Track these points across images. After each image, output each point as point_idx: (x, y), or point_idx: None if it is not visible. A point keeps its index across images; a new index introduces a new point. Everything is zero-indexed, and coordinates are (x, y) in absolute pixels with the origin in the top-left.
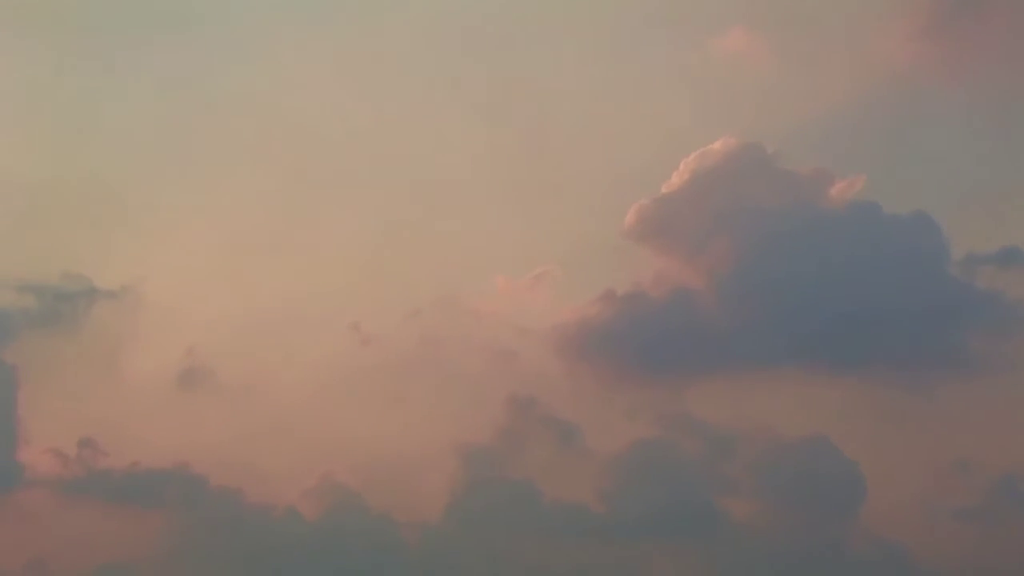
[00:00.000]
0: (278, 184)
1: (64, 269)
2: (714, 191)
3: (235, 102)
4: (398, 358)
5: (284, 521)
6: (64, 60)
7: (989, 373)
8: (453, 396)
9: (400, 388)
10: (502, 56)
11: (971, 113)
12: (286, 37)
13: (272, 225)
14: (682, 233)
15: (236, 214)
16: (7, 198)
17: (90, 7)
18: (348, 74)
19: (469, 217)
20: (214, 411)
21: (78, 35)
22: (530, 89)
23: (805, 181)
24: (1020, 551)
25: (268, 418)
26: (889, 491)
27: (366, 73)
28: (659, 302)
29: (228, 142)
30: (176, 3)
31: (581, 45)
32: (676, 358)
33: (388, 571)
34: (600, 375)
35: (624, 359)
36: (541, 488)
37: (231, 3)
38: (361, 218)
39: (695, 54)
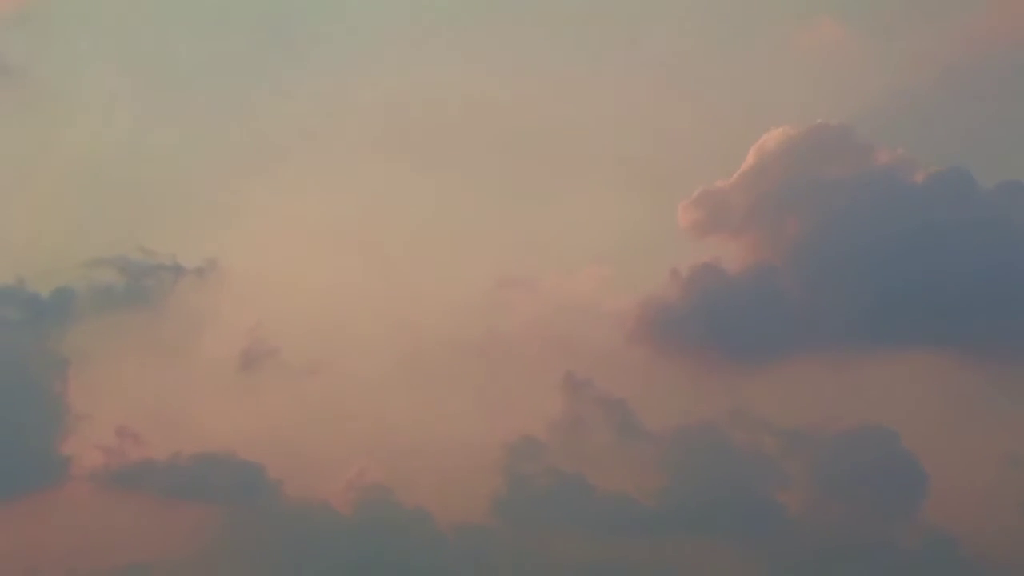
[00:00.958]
0: (356, 165)
1: (138, 245)
2: (789, 172)
3: (312, 82)
4: (461, 343)
5: (327, 514)
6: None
7: None
8: (514, 384)
9: (461, 375)
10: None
11: None
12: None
13: (348, 205)
14: (752, 216)
15: (315, 194)
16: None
17: None
18: (427, 49)
19: (536, 199)
20: (274, 395)
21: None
22: (613, 70)
23: (882, 161)
24: None
25: (327, 403)
26: (951, 483)
27: (444, 49)
28: (726, 286)
29: (307, 122)
30: None
31: (666, 27)
32: (740, 344)
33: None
34: (661, 362)
35: (689, 344)
36: (593, 482)
37: None
38: (433, 201)
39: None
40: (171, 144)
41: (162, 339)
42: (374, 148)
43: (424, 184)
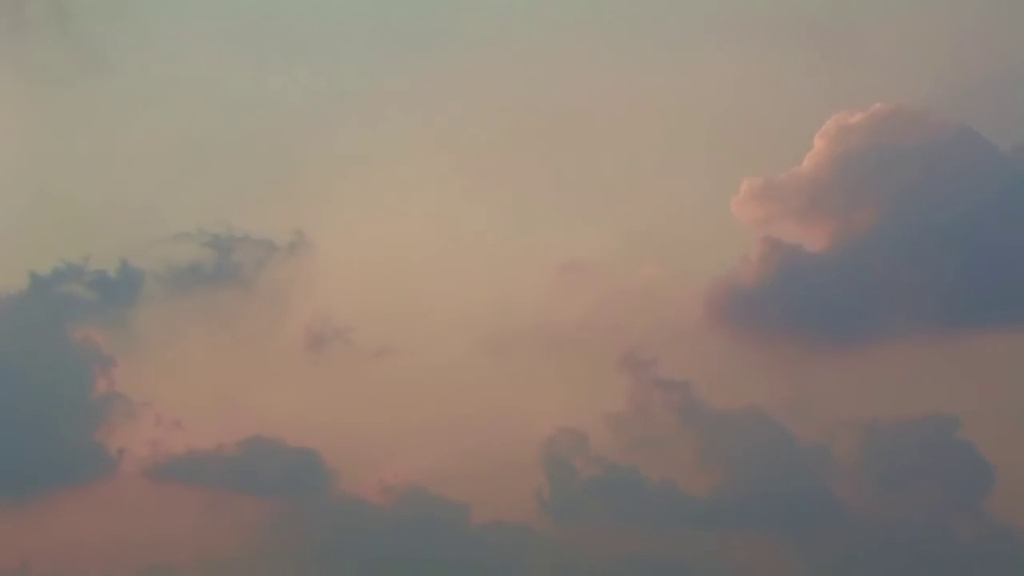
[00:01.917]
0: (443, 150)
1: (219, 220)
2: (858, 153)
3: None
4: (528, 330)
5: (379, 507)
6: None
7: None
8: (575, 372)
9: (527, 361)
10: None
11: None
12: None
13: (433, 189)
14: (822, 199)
15: (403, 174)
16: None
17: None
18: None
19: (603, 183)
20: (338, 379)
21: None
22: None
23: (957, 141)
24: None
25: (390, 388)
26: (1018, 475)
27: (531, 45)
28: (794, 271)
29: (402, 103)
30: None
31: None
32: (805, 330)
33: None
34: (724, 348)
35: (753, 331)
36: (646, 473)
37: None
38: (512, 180)
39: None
40: (262, 120)
41: (230, 319)
42: (460, 136)
43: (503, 171)
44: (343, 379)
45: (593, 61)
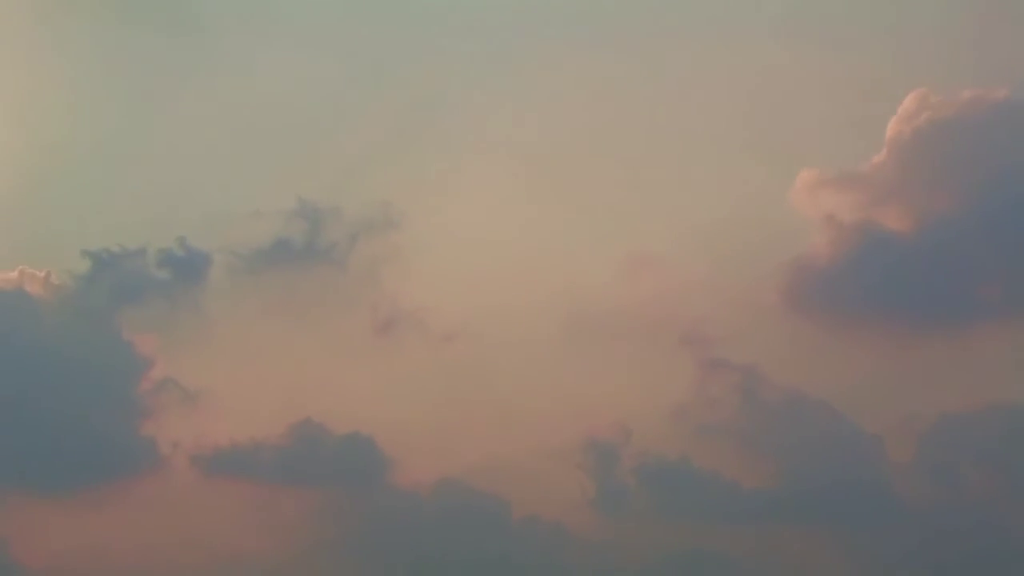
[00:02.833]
0: (523, 139)
1: (297, 199)
2: (936, 136)
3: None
4: (597, 317)
5: (437, 499)
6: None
7: None
8: (638, 361)
9: (594, 349)
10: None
11: None
12: None
13: (511, 174)
14: (898, 183)
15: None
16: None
17: None
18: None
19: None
20: (405, 365)
21: None
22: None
23: None
24: None
25: (458, 374)
26: None
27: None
28: (862, 257)
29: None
30: None
31: None
32: (873, 318)
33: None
34: (793, 335)
35: (823, 316)
36: (702, 465)
37: None
38: (582, 172)
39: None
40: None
41: (298, 301)
42: (539, 127)
43: (575, 164)
44: (409, 365)
45: (656, 54)
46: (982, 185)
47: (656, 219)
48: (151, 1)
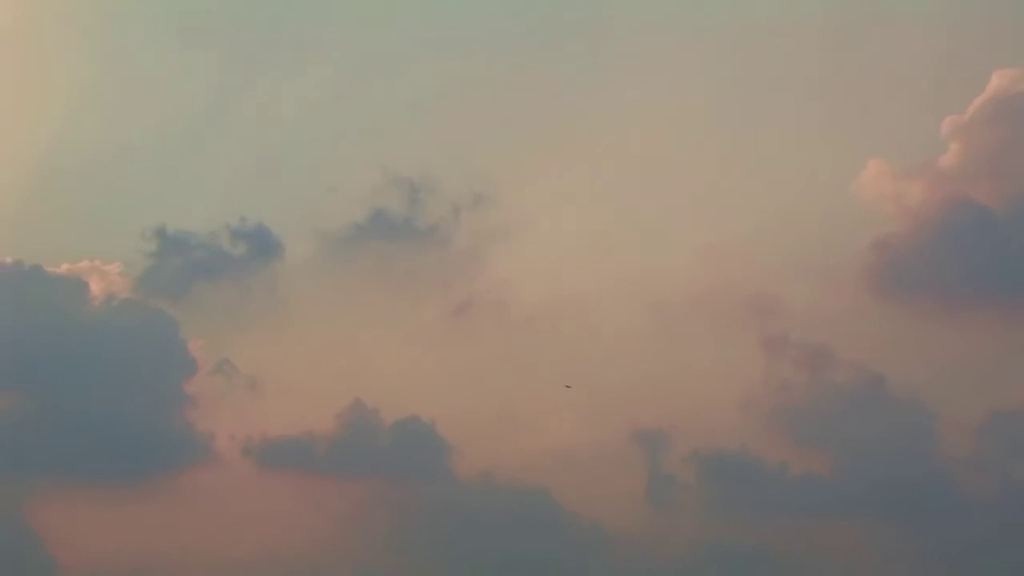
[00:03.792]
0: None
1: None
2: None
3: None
4: (674, 304)
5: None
6: None
7: None
8: (717, 348)
9: (679, 335)
10: None
11: None
12: None
13: (602, 164)
14: (976, 168)
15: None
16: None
17: None
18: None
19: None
20: (480, 349)
21: None
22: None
23: None
24: None
25: (534, 357)
26: None
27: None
28: (942, 243)
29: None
30: None
31: None
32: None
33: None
34: (871, 318)
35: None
36: (763, 457)
37: None
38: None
39: None
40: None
41: (375, 282)
42: (632, 120)
43: (659, 158)
44: (482, 349)
45: (732, 50)
46: None
47: (733, 208)
48: None
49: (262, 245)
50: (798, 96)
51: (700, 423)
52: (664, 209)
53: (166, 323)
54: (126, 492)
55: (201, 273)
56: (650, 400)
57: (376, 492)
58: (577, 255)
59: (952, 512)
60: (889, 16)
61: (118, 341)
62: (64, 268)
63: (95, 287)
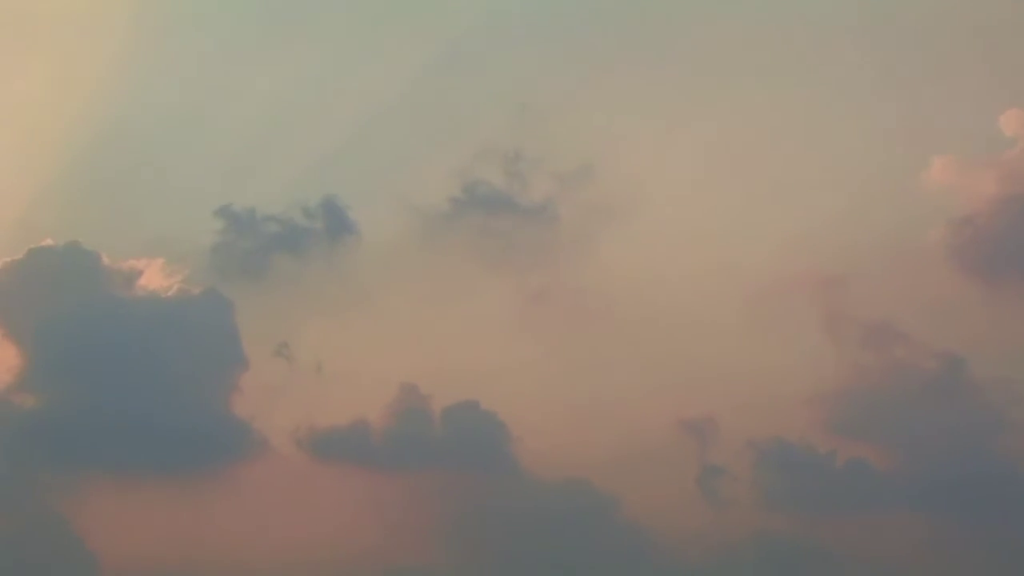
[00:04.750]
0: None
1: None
2: None
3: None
4: (752, 296)
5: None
6: None
7: None
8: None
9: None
10: None
11: None
12: None
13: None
14: None
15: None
16: None
17: None
18: None
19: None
20: (554, 337)
21: None
22: None
23: None
24: None
25: (606, 349)
26: None
27: None
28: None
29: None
30: None
31: None
32: None
33: None
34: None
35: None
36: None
37: None
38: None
39: None
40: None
41: (449, 264)
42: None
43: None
44: (558, 337)
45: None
46: None
47: (810, 200)
48: None
49: (334, 223)
50: (866, 92)
51: (775, 414)
52: (749, 198)
53: (221, 307)
54: (173, 486)
55: (266, 254)
56: (728, 391)
57: (438, 484)
58: (667, 243)
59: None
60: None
61: (169, 326)
62: (118, 250)
63: (149, 270)
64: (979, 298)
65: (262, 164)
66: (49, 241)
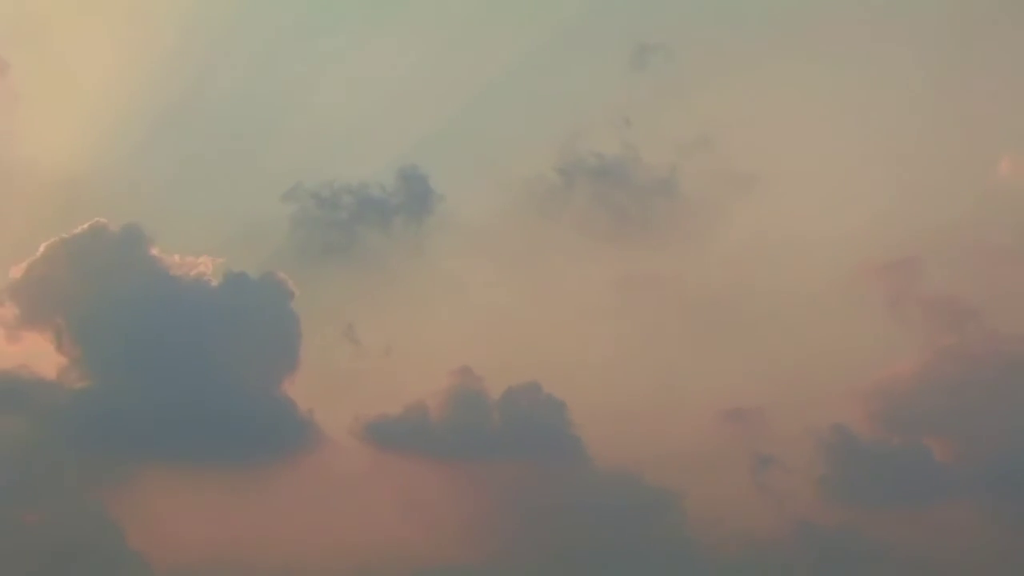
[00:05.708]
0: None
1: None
2: None
3: None
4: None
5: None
6: None
7: None
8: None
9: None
10: None
11: None
12: None
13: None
14: None
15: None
16: None
17: None
18: None
19: None
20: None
21: None
22: None
23: None
24: None
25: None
26: None
27: None
28: None
29: None
30: None
31: None
32: None
33: None
34: None
35: None
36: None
37: None
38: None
39: None
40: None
41: (536, 242)
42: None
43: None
44: (643, 328)
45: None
46: None
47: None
48: None
49: (416, 199)
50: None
51: (835, 402)
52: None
53: (281, 291)
54: (225, 478)
55: (347, 229)
56: (789, 378)
57: (497, 473)
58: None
59: None
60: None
61: (225, 310)
62: (176, 233)
63: (208, 252)
64: None
65: (343, 140)
66: (106, 221)
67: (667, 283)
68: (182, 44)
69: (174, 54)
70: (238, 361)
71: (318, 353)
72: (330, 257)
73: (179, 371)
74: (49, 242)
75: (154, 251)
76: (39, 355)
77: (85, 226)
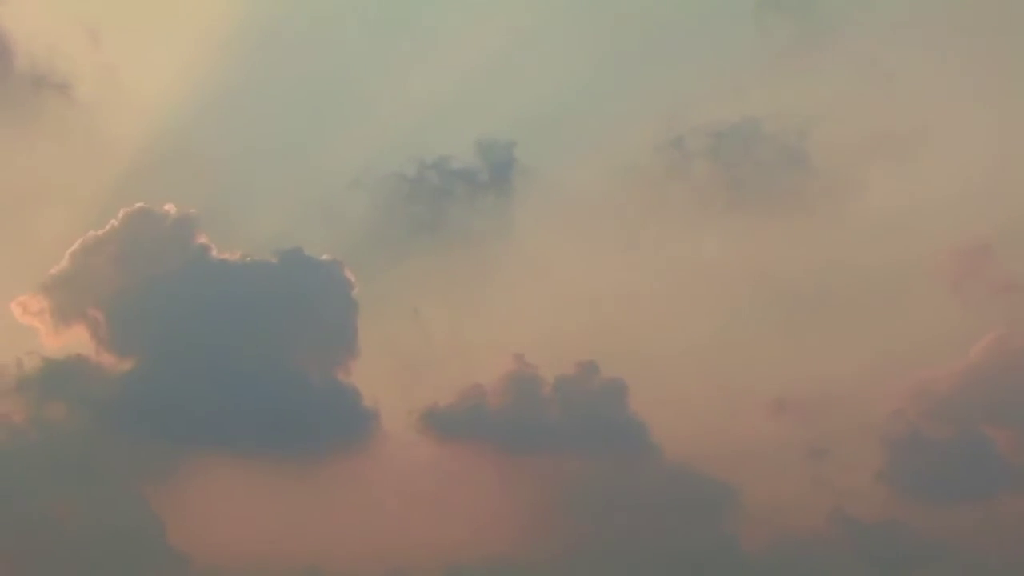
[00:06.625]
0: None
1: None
2: None
3: None
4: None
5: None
6: None
7: None
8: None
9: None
10: None
11: None
12: None
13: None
14: None
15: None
16: None
17: None
18: None
19: None
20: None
21: None
22: None
23: None
24: None
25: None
26: None
27: None
28: None
29: None
30: None
31: None
32: None
33: None
34: None
35: None
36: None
37: None
38: None
39: None
40: None
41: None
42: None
43: None
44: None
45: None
46: None
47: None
48: None
49: (501, 177)
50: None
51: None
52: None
53: (339, 276)
54: (276, 469)
55: (434, 207)
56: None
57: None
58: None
59: None
60: None
61: (277, 293)
62: (238, 218)
63: (257, 234)
64: None
65: (432, 117)
66: (157, 205)
67: (768, 264)
68: (265, 21)
69: (255, 32)
70: (296, 347)
71: (380, 338)
72: (407, 238)
73: (230, 357)
74: (104, 227)
75: (211, 235)
76: (88, 343)
77: (146, 209)
